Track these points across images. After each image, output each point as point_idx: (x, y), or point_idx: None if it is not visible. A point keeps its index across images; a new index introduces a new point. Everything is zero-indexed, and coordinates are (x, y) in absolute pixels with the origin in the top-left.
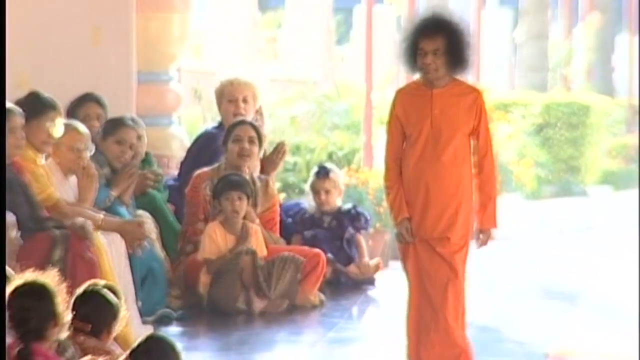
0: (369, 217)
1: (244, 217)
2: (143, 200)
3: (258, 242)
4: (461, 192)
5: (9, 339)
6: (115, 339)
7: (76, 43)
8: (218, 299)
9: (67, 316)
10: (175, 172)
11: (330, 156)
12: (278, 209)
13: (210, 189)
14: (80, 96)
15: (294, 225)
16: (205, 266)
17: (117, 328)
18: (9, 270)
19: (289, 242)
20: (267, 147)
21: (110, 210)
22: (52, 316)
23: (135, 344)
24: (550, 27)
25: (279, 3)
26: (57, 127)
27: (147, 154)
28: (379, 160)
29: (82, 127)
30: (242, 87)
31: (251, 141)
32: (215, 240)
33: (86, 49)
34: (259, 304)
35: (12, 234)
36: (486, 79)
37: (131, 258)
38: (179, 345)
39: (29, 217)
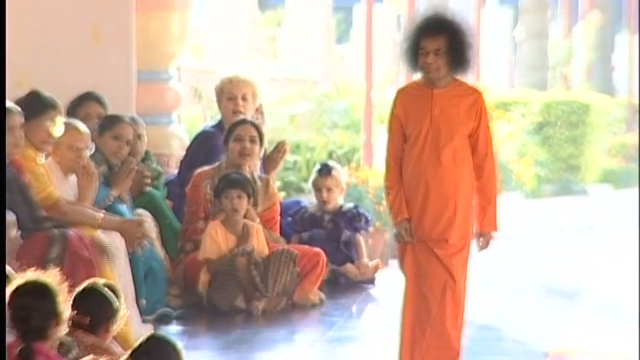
0: (369, 218)
1: (245, 216)
2: (143, 199)
3: (260, 241)
4: (460, 193)
5: (10, 338)
6: (115, 338)
7: (76, 42)
8: (216, 299)
9: (68, 315)
10: (175, 170)
11: (330, 155)
12: (278, 208)
13: (210, 188)
14: (80, 95)
15: (293, 224)
16: (206, 265)
17: (116, 327)
18: (9, 269)
19: (288, 242)
20: (267, 146)
21: (110, 208)
22: (53, 315)
23: (136, 344)
24: (550, 26)
25: (278, 2)
26: (57, 126)
27: (147, 152)
28: (379, 159)
29: (82, 126)
30: (242, 85)
31: (252, 140)
32: (216, 239)
33: (86, 48)
34: (258, 304)
35: (12, 233)
36: (486, 78)
37: (132, 257)
38: (179, 345)
39: (27, 217)
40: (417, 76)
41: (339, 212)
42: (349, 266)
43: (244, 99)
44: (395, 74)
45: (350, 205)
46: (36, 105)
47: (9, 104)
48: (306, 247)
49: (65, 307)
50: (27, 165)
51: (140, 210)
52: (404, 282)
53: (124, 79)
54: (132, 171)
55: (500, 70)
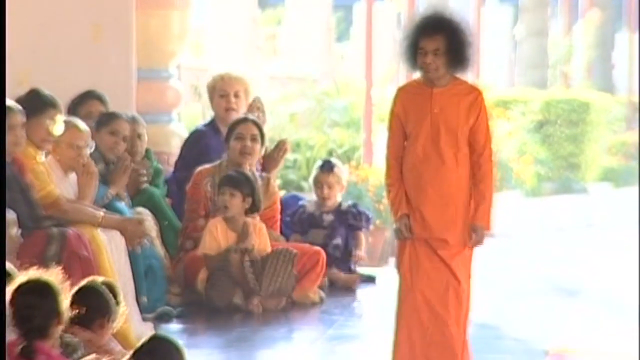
0: (370, 216)
1: (246, 214)
2: (143, 198)
3: (262, 239)
4: (461, 193)
5: (11, 337)
6: (115, 336)
7: (76, 40)
8: (212, 296)
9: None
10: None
11: (330, 153)
12: (279, 206)
13: (211, 186)
14: (82, 93)
15: (292, 225)
16: (205, 262)
17: (113, 324)
18: (11, 267)
19: (287, 240)
20: (267, 144)
21: (108, 207)
22: (55, 314)
23: (139, 344)
24: (550, 24)
25: (278, 0)
26: (57, 124)
27: (147, 150)
28: (379, 157)
29: (82, 125)
30: (234, 82)
31: (253, 139)
32: (215, 236)
33: (86, 47)
34: (256, 302)
35: (13, 231)
36: (486, 76)
37: (132, 255)
38: (182, 346)
39: (27, 216)
40: (418, 74)
41: (339, 212)
42: (334, 272)
43: (236, 96)
44: (395, 72)
45: (349, 203)
46: (36, 104)
47: (11, 102)
48: (306, 245)
49: (67, 306)
50: (27, 164)
51: (140, 209)
52: (399, 281)
53: (124, 77)
54: (128, 168)
55: (501, 69)
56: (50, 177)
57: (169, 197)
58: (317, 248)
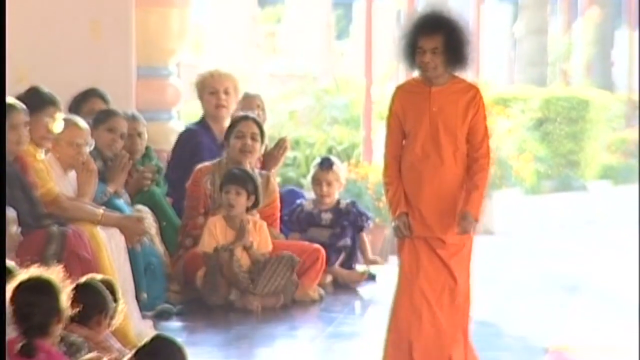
0: (370, 215)
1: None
2: (143, 196)
3: (262, 237)
4: (460, 191)
5: (12, 334)
6: (114, 333)
7: (76, 38)
8: (207, 294)
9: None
10: None
11: (329, 151)
12: (278, 204)
13: (210, 183)
14: (84, 91)
15: (290, 224)
16: (204, 260)
17: (111, 321)
18: (12, 264)
19: (287, 238)
20: (267, 142)
21: (108, 204)
22: (55, 312)
23: (141, 344)
24: (550, 22)
25: None
26: (57, 122)
27: (147, 148)
28: (379, 155)
29: (81, 122)
30: (223, 79)
31: (253, 138)
32: (214, 234)
33: (86, 44)
34: (254, 303)
35: (13, 229)
36: (486, 74)
37: (131, 253)
38: (184, 347)
39: (28, 213)
40: (416, 73)
41: (338, 210)
42: (337, 268)
43: (226, 93)
44: (395, 69)
45: (347, 201)
46: (36, 102)
47: (14, 101)
48: (306, 243)
49: (68, 305)
50: (27, 161)
51: (140, 207)
52: (398, 277)
53: (123, 75)
54: (127, 166)
55: (500, 66)
56: (50, 174)
57: (169, 196)
58: (317, 246)
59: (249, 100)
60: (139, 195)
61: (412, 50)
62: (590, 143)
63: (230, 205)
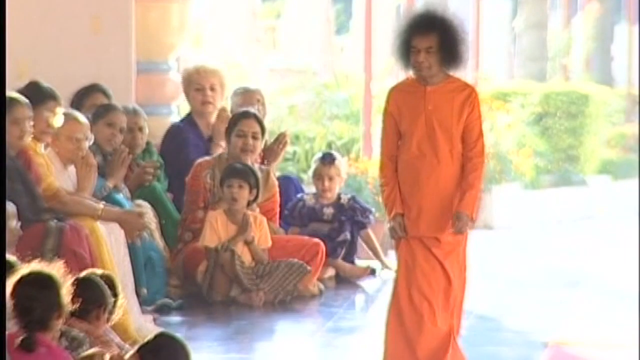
0: (372, 210)
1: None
2: (144, 191)
3: (262, 232)
4: (456, 189)
5: (12, 329)
6: (114, 328)
7: (76, 33)
8: (209, 290)
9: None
10: None
11: (329, 146)
12: (278, 199)
13: (210, 177)
14: (87, 86)
15: (291, 219)
16: (205, 254)
17: (110, 316)
18: (13, 258)
19: (286, 233)
20: (267, 137)
21: (107, 199)
22: (56, 307)
23: (144, 341)
24: (550, 17)
25: None
26: (57, 117)
27: (147, 143)
28: (378, 149)
29: (81, 117)
30: (209, 75)
31: (255, 137)
32: (216, 228)
33: (86, 39)
34: (256, 296)
35: (13, 224)
36: (485, 69)
37: (131, 247)
38: (187, 345)
39: (27, 207)
40: (411, 72)
41: (339, 205)
42: (340, 262)
43: (212, 89)
44: (394, 64)
45: (347, 195)
46: (36, 96)
47: (18, 95)
48: (305, 237)
49: (69, 300)
50: (30, 156)
51: (140, 201)
52: (395, 276)
53: (123, 69)
54: (126, 160)
55: (500, 61)
56: (50, 169)
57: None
58: (317, 240)
59: (249, 95)
60: (139, 190)
61: (407, 49)
62: (590, 138)
63: (234, 199)
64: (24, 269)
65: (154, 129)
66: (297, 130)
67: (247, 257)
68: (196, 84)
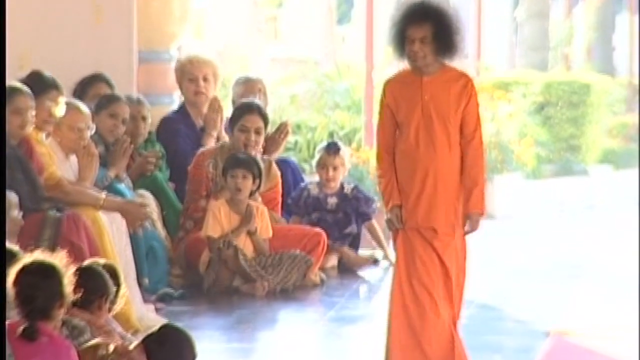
0: (375, 199)
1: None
2: (146, 181)
3: (264, 223)
4: (453, 179)
5: (11, 319)
6: (116, 318)
7: (77, 22)
8: (211, 281)
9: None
10: None
11: (331, 135)
12: (280, 189)
13: (213, 167)
14: (90, 76)
15: (296, 208)
16: (208, 244)
17: (112, 306)
18: (16, 248)
19: (288, 222)
20: (269, 126)
21: (109, 188)
22: (58, 296)
23: (149, 332)
24: (551, 6)
25: None
26: (59, 106)
27: (150, 133)
28: None
29: (83, 107)
30: (202, 66)
31: (257, 132)
32: (219, 218)
33: (87, 28)
34: (259, 286)
35: (14, 213)
36: (487, 58)
37: (133, 237)
38: (192, 336)
39: (27, 196)
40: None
41: (343, 195)
42: (345, 249)
43: (205, 79)
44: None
45: (350, 185)
46: (38, 85)
47: (20, 85)
48: (307, 227)
49: (71, 290)
50: (32, 145)
51: (142, 191)
52: (394, 268)
53: (125, 59)
54: (128, 150)
55: (501, 51)
56: (52, 158)
57: (171, 181)
58: (318, 230)
59: (250, 85)
60: (141, 180)
61: (401, 40)
62: (591, 127)
63: (238, 189)
64: (26, 258)
65: (155, 119)
66: (299, 120)
67: (248, 248)
68: (189, 75)
